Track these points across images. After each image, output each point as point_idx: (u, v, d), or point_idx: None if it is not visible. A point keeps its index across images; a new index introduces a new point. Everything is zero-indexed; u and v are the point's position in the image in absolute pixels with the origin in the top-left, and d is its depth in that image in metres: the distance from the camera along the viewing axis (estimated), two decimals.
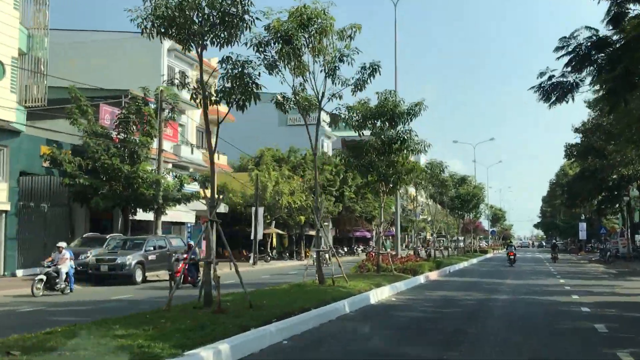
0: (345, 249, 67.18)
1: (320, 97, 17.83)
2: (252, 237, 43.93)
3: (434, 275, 26.75)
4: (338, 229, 77.62)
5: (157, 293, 20.22)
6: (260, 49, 16.05)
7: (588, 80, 16.10)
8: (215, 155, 41.55)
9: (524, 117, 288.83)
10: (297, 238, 54.72)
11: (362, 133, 24.45)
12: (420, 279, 23.93)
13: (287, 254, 52.80)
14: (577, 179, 55.90)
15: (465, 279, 26.98)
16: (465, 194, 50.90)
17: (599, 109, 43.82)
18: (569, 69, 15.46)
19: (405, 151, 23.94)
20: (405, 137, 23.65)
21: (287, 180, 48.08)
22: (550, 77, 16.08)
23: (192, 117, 44.13)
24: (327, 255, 38.09)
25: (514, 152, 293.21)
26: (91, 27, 42.91)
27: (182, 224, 41.81)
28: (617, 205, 59.54)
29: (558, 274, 31.72)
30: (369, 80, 18.25)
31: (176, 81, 12.02)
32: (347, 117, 23.75)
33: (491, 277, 28.60)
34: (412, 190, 57.32)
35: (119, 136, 30.86)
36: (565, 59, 15.47)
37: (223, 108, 44.39)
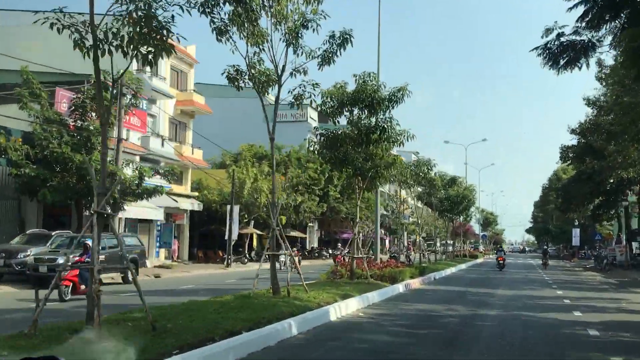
0: (330, 251, 64.27)
1: (280, 72, 14.93)
2: (226, 237, 41.09)
3: (416, 283, 23.87)
4: (324, 230, 74.87)
5: (106, 298, 17.31)
6: (207, 9, 13.18)
7: (608, 40, 12.74)
8: (189, 149, 38.41)
9: (517, 118, 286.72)
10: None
11: (338, 121, 21.64)
12: (399, 287, 21.05)
13: (267, 256, 49.75)
14: (572, 182, 53.20)
15: (451, 287, 24.11)
16: (455, 195, 48.12)
17: (599, 107, 41.22)
18: (583, 24, 12.20)
19: (385, 142, 21.13)
20: (385, 126, 20.82)
21: (266, 177, 45.12)
22: (559, 35, 12.89)
23: (166, 109, 41.19)
24: (296, 259, 35.68)
25: (507, 156, 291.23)
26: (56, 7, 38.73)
27: (150, 221, 38.82)
28: (613, 211, 56.83)
29: (554, 283, 28.96)
30: (338, 52, 15.36)
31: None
32: (318, 102, 21.01)
33: (480, 285, 25.77)
34: (400, 190, 54.44)
35: (75, 123, 27.95)
36: (580, 10, 12.16)
37: (199, 98, 41.16)
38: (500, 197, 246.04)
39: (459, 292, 22.02)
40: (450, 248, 61.12)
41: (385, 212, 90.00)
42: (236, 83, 15.33)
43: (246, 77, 15.20)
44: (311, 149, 21.26)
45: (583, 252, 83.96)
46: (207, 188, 44.91)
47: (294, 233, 53.09)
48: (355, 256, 21.36)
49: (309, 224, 65.13)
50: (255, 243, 53.18)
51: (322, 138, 21.26)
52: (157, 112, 39.83)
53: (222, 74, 15.29)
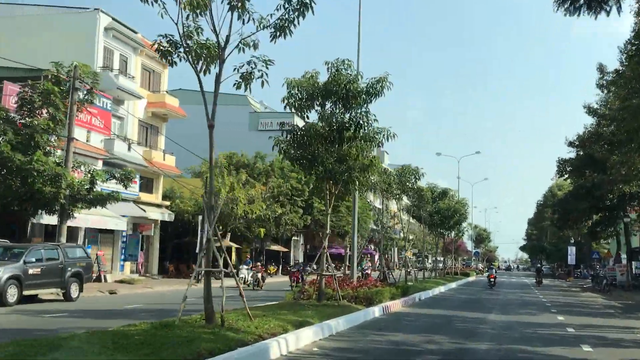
0: (315, 267, 61.15)
1: (223, 43, 11.99)
2: (197, 250, 37.94)
3: (396, 305, 20.79)
4: (309, 244, 71.80)
5: (24, 319, 14.44)
6: None
7: None
8: (161, 155, 35.26)
9: (512, 133, 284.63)
10: (257, 253, 48.73)
11: (307, 116, 18.70)
12: (375, 311, 17.99)
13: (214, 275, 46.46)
14: (570, 197, 50.38)
15: (437, 311, 21.05)
16: (446, 209, 45.18)
17: (601, 116, 38.49)
18: None
19: (360, 141, 18.20)
20: (361, 122, 17.91)
21: (245, 186, 42.13)
22: None
23: (135, 111, 38.17)
24: (259, 275, 32.63)
25: (502, 171, 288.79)
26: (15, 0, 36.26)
27: (114, 232, 35.68)
28: (612, 228, 53.95)
29: (552, 305, 25.96)
30: (296, 22, 12.42)
31: None
32: (286, 96, 18.13)
33: (470, 308, 22.73)
34: (385, 202, 51.47)
35: (22, 120, 24.95)
36: None
37: (172, 100, 38.19)
38: (494, 214, 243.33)
39: (444, 317, 18.95)
40: (441, 265, 58.07)
41: (374, 227, 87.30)
42: (169, 58, 12.38)
43: (181, 50, 12.25)
44: (276, 147, 18.21)
45: (579, 271, 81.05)
46: (179, 197, 41.82)
47: (274, 247, 50.05)
48: (324, 274, 18.31)
49: (294, 238, 62.06)
50: (234, 257, 50.08)
51: (289, 135, 18.32)
52: (124, 113, 36.81)
53: (152, 46, 12.32)
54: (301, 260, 66.87)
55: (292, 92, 18.14)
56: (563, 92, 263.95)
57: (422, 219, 43.62)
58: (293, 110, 18.64)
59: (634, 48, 28.90)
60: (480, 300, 27.95)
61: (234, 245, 44.07)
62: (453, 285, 41.41)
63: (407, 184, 31.83)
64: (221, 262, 12.15)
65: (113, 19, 36.41)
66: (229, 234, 44.46)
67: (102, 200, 26.43)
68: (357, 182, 18.51)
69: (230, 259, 47.08)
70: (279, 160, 52.08)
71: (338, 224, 58.28)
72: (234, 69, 12.51)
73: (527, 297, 33.08)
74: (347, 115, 18.09)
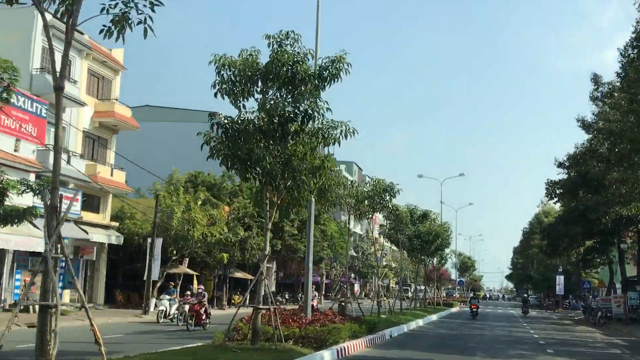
0: (287, 297, 56.82)
1: None
2: (145, 277, 33.68)
3: (357, 346, 16.65)
4: (283, 272, 67.57)
5: None
6: None
7: None
8: (108, 170, 31.24)
9: (498, 155, 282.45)
10: (220, 281, 44.39)
11: (244, 106, 14.81)
12: (325, 357, 13.86)
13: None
14: (561, 221, 46.71)
15: (407, 353, 16.94)
16: (426, 232, 41.26)
17: (596, 130, 34.93)
18: None
19: (310, 136, 14.33)
20: (310, 112, 14.05)
21: (204, 206, 37.96)
22: None
23: (80, 120, 34.11)
24: (186, 308, 28.07)
25: (487, 197, 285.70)
26: None
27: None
28: (605, 256, 50.24)
29: (547, 344, 21.96)
30: None
31: None
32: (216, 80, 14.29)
33: (450, 348, 18.65)
34: (352, 219, 47.62)
35: None
36: None
37: (123, 110, 34.25)
38: (479, 242, 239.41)
39: None
40: (421, 294, 53.96)
41: (354, 254, 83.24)
42: None
43: None
44: (206, 145, 14.25)
45: (567, 302, 77.27)
46: (130, 218, 37.55)
47: (238, 274, 45.68)
48: (259, 307, 14.18)
49: (268, 265, 57.81)
50: (195, 285, 45.73)
51: (220, 129, 14.40)
52: (66, 122, 32.69)
53: None
54: (273, 288, 62.56)
55: (223, 74, 14.30)
56: (550, 113, 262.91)
57: (399, 242, 39.67)
58: (226, 98, 14.71)
59: (635, 51, 25.52)
60: (462, 337, 23.85)
61: (190, 272, 39.72)
62: (434, 317, 37.31)
63: (380, 201, 27.98)
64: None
65: (54, 16, 32.45)
66: (187, 259, 40.23)
67: (18, 217, 22.26)
68: (305, 189, 14.47)
69: (193, 287, 43.00)
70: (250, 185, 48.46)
71: (314, 251, 54.28)
72: (102, 10, 8.63)
73: (516, 331, 29.06)
74: (294, 105, 14.23)
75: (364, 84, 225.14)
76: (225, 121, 14.39)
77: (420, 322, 30.62)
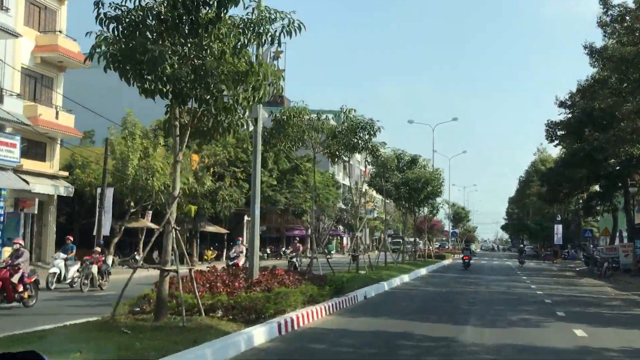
0: (268, 251, 53.13)
1: None
2: (95, 232, 29.82)
3: (315, 314, 12.68)
4: (268, 226, 63.93)
5: None
6: None
7: None
8: (51, 112, 26.71)
9: (494, 100, 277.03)
10: (190, 235, 40.56)
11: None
12: (258, 334, 9.80)
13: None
14: (562, 165, 42.80)
15: (379, 322, 13.00)
16: (415, 179, 37.30)
17: (606, 59, 30.60)
18: None
19: (229, 28, 10.15)
20: None
21: (168, 152, 33.83)
22: None
23: (15, 54, 29.68)
24: (93, 269, 23.72)
25: (481, 145, 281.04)
26: None
27: None
28: (609, 203, 46.53)
29: (554, 303, 18.19)
30: None
31: None
32: None
33: (435, 314, 14.79)
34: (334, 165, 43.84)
35: None
36: None
37: (69, 44, 29.65)
38: (473, 193, 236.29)
39: (385, 338, 10.94)
40: (410, 247, 50.32)
41: (343, 206, 79.65)
42: None
43: None
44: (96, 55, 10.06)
45: (566, 252, 74.01)
46: (82, 167, 33.41)
47: (210, 228, 41.85)
48: (166, 269, 10.17)
49: (247, 218, 53.99)
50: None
51: (110, 24, 10.18)
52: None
53: None
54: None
55: None
56: (543, 61, 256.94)
57: (383, 191, 35.75)
58: None
59: None
60: (452, 296, 20.01)
61: (152, 226, 35.80)
62: (422, 271, 33.65)
63: (359, 142, 23.91)
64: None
65: None
66: (150, 212, 36.30)
67: None
68: (222, 103, 10.31)
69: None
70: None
71: (294, 201, 50.48)
72: None
73: (515, 287, 25.33)
74: None
75: (353, 36, 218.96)
76: (116, 12, 10.16)
77: (406, 277, 26.89)
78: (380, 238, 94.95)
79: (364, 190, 55.36)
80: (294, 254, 29.58)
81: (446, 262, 50.73)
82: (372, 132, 24.22)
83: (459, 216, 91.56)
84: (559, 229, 69.52)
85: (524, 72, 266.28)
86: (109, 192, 29.66)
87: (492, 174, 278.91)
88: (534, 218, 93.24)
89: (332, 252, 72.77)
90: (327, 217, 70.01)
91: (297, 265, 26.13)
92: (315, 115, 20.13)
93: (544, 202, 53.44)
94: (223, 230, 42.90)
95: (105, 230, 29.55)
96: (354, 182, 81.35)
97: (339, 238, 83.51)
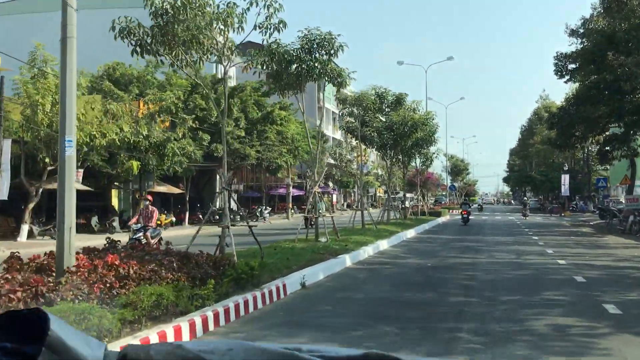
0: (241, 213, 46.94)
1: None
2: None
3: (173, 336, 6.67)
4: (248, 185, 57.97)
5: None
6: None
7: None
8: None
9: (493, 41, 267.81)
10: (134, 197, 34.41)
11: None
12: None
13: (112, 223, 31.87)
14: (577, 102, 36.34)
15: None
16: (401, 122, 30.96)
17: None
18: None
19: None
20: None
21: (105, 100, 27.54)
22: None
23: None
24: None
25: (480, 91, 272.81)
26: None
27: None
28: (625, 148, 40.11)
29: (593, 283, 12.02)
30: None
31: None
32: None
33: (400, 321, 8.66)
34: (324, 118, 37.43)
35: None
36: None
37: None
38: (473, 145, 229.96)
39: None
40: (407, 203, 44.18)
41: (332, 161, 73.56)
42: None
43: None
44: None
45: (574, 204, 68.11)
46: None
47: (161, 188, 35.59)
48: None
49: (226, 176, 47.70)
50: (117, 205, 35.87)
51: None
52: None
53: None
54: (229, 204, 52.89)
55: None
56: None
57: (358, 135, 29.49)
58: None
59: None
60: (437, 278, 13.58)
61: (85, 188, 29.45)
62: (410, 232, 27.56)
63: (315, 64, 17.64)
64: None
65: None
66: (80, 170, 29.99)
67: None
68: None
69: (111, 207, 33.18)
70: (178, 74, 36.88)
71: (268, 155, 43.97)
72: None
73: (526, 253, 19.14)
74: None
75: None
76: None
77: (385, 244, 20.75)
78: (375, 194, 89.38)
79: (353, 143, 49.00)
80: (141, 225, 16.76)
81: (442, 219, 44.66)
82: (331, 51, 17.98)
83: (458, 169, 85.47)
84: (566, 179, 63.54)
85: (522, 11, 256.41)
86: (6, 145, 23.34)
87: (492, 124, 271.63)
88: (537, 169, 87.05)
89: (320, 211, 67.14)
90: (314, 173, 63.63)
91: (146, 240, 15.84)
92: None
93: (553, 147, 46.83)
94: (176, 190, 36.66)
95: (3, 194, 23.31)
96: (344, 135, 75.01)
97: (329, 196, 77.45)
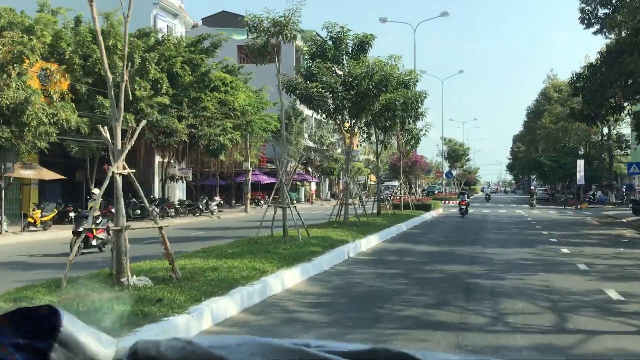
0: (153, 207, 37.05)
1: None
2: None
3: None
4: (209, 170, 48.32)
5: None
6: None
7: None
8: None
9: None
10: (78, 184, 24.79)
11: None
12: None
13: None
14: (613, 58, 26.45)
15: None
16: (365, 75, 20.97)
17: None
18: None
19: None
20: None
21: None
22: None
23: None
24: None
25: (480, 68, 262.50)
26: None
27: None
28: None
29: None
30: None
31: None
32: None
33: None
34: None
35: None
36: None
37: None
38: (474, 130, 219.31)
39: None
40: (359, 193, 34.21)
41: (311, 144, 63.79)
42: None
43: None
44: None
45: (591, 194, 58.26)
46: None
47: (26, 173, 25.29)
48: None
49: (165, 160, 37.84)
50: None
51: None
52: None
53: None
54: (182, 195, 42.90)
55: None
56: None
57: (295, 91, 19.57)
58: None
59: None
60: None
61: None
62: (369, 241, 17.63)
63: None
64: None
65: None
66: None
67: None
68: None
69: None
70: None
71: (206, 131, 33.75)
72: None
73: (579, 307, 9.21)
74: None
75: None
76: None
77: (294, 275, 10.83)
78: (366, 183, 79.31)
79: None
80: None
81: (431, 214, 34.74)
82: None
83: (456, 154, 75.58)
84: (581, 165, 53.68)
85: None
86: None
87: (495, 109, 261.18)
88: (545, 155, 76.86)
89: (294, 201, 58.36)
90: (294, 160, 54.36)
91: None
92: None
93: (577, 121, 36.31)
94: (52, 176, 26.65)
95: None
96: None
97: (306, 183, 67.44)
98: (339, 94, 20.66)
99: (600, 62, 28.47)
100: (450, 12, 68.91)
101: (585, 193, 56.68)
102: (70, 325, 0.86)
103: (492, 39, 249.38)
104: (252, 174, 59.04)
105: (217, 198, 41.15)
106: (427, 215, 32.80)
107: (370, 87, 20.96)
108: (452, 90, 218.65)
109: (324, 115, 22.19)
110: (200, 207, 37.47)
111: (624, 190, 56.05)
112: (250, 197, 59.50)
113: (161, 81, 29.71)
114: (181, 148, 33.89)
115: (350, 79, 20.95)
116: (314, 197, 66.53)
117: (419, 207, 35.25)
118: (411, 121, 29.49)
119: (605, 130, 60.31)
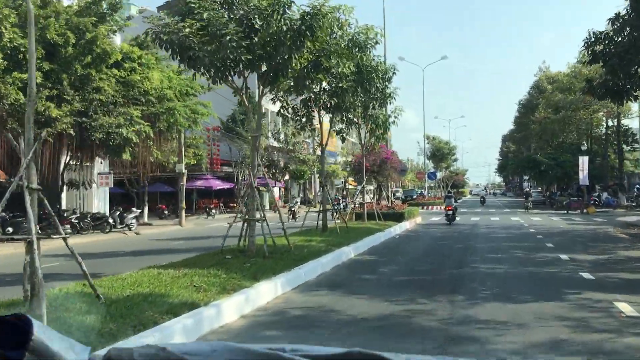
0: (67, 223, 28.55)
1: None
2: None
3: None
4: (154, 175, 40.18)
5: None
6: None
7: None
8: None
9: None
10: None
11: None
12: None
13: None
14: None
15: None
16: (277, 10, 12.77)
17: None
18: None
19: None
20: None
21: None
22: None
23: None
24: None
25: (468, 55, 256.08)
26: None
27: None
28: None
29: None
30: None
31: None
32: None
33: None
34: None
35: None
36: None
37: None
38: (461, 129, 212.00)
39: None
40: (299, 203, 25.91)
41: (274, 143, 55.58)
42: None
43: None
44: None
45: (596, 196, 50.41)
46: None
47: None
48: None
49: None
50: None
51: None
52: None
53: None
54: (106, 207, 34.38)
55: None
56: None
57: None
58: None
59: None
60: None
61: None
62: (266, 292, 9.46)
63: None
64: None
65: None
66: None
67: None
68: None
69: None
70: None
71: (100, 120, 25.18)
72: None
73: None
74: None
75: None
76: None
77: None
78: (345, 186, 71.06)
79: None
80: None
81: (403, 226, 26.55)
82: None
83: (441, 153, 67.62)
84: (584, 162, 46.04)
85: None
86: None
87: (483, 109, 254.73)
88: (540, 152, 68.93)
89: (267, 205, 51.55)
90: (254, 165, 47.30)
91: None
92: None
93: (597, 98, 27.73)
94: None
95: None
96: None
97: (268, 189, 58.86)
98: (231, 37, 12.39)
99: (630, 13, 20.37)
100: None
101: (589, 194, 48.90)
102: (43, 334, 0.83)
103: (482, 34, 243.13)
104: (204, 179, 50.85)
105: (136, 210, 32.65)
106: (397, 229, 24.55)
107: (284, 29, 12.76)
108: (435, 87, 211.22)
109: (208, 75, 13.70)
110: (111, 221, 29.12)
111: (635, 191, 48.33)
112: (202, 205, 51.12)
113: (22, 49, 21.36)
114: (68, 143, 25.47)
115: (250, 16, 12.72)
116: (278, 203, 58.22)
117: (388, 216, 27.06)
118: (376, 104, 22.36)
119: (610, 123, 52.71)
